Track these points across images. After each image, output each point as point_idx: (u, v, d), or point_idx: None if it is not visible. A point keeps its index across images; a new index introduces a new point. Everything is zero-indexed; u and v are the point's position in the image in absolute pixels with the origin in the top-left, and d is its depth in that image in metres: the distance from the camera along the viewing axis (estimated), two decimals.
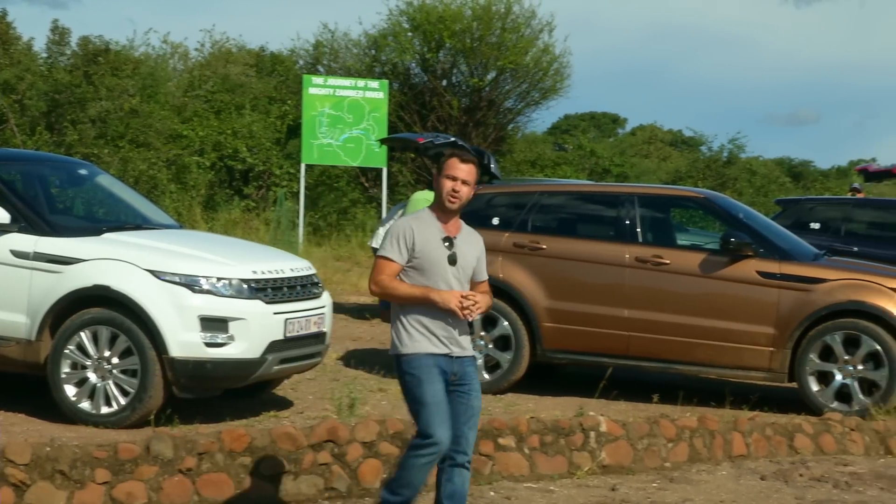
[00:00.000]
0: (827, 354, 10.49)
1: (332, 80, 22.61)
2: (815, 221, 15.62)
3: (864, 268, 11.06)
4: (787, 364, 10.56)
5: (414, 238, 6.00)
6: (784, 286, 10.62)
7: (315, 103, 21.58)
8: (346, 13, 44.37)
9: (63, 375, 8.72)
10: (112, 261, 8.75)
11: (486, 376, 10.97)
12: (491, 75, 27.80)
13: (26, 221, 9.00)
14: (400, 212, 15.35)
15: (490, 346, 11.04)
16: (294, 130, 26.49)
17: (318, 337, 9.50)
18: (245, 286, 8.81)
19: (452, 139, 15.57)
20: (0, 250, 8.89)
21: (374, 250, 15.65)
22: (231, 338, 8.67)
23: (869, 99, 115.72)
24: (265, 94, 29.09)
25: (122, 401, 8.64)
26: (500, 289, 10.49)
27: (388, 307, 16.16)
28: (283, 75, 30.83)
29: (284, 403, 9.93)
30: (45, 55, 26.04)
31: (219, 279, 8.73)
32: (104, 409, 8.67)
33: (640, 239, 11.07)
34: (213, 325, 8.63)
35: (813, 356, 10.48)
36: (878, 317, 10.38)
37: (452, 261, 6.04)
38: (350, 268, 20.95)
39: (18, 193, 9.33)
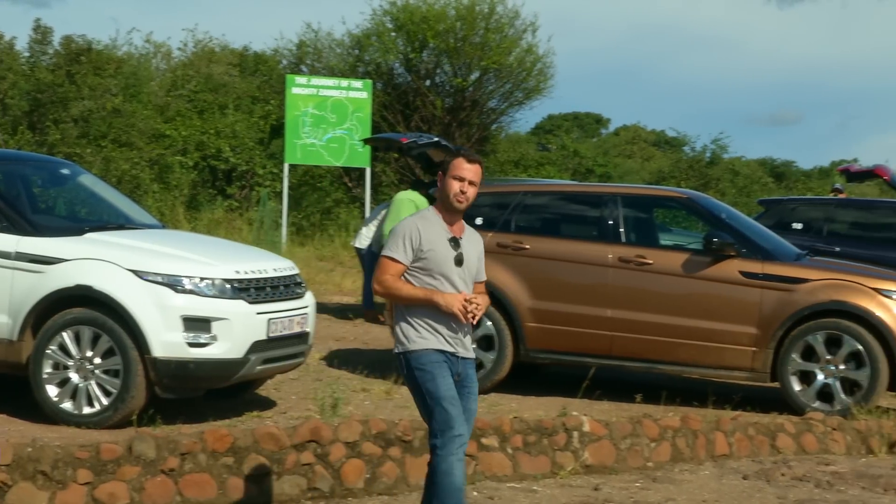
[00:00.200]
0: (809, 354, 10.52)
1: (316, 80, 22.56)
2: (798, 222, 15.65)
3: (846, 268, 11.09)
4: (770, 364, 10.58)
5: (420, 238, 5.96)
6: (766, 286, 10.64)
7: (298, 103, 21.54)
8: (330, 13, 44.42)
9: (45, 375, 8.69)
10: (94, 261, 8.72)
11: None
12: (474, 75, 27.80)
13: (8, 221, 8.97)
14: (383, 212, 15.32)
15: (473, 345, 11.02)
16: (277, 130, 26.44)
17: (302, 337, 9.49)
18: (228, 286, 8.79)
19: (436, 139, 15.56)
20: None
21: (358, 250, 15.64)
22: (214, 338, 8.65)
23: (851, 99, 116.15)
24: (248, 94, 29.04)
25: (105, 401, 8.61)
26: None
27: (371, 307, 16.21)
28: (266, 75, 30.78)
29: (267, 403, 9.92)
30: (27, 54, 25.92)
31: (202, 279, 8.72)
32: (86, 410, 8.64)
33: (624, 239, 11.08)
34: (196, 325, 8.62)
35: (795, 356, 10.52)
36: (860, 317, 10.42)
37: (459, 262, 6.02)
38: (333, 268, 20.94)
39: (0, 193, 9.29)
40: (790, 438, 9.49)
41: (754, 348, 10.61)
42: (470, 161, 6.04)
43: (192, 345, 8.60)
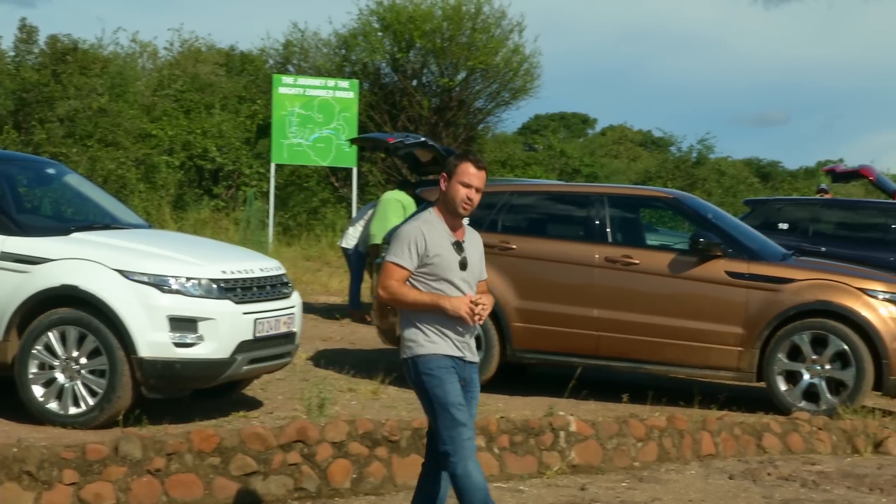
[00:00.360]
0: (795, 354, 10.55)
1: (302, 80, 22.54)
2: (784, 222, 15.68)
3: (831, 268, 11.12)
4: (756, 364, 10.61)
5: (426, 243, 5.91)
6: (752, 286, 10.67)
7: (285, 103, 21.51)
8: (317, 13, 44.34)
9: (31, 376, 8.67)
10: (80, 260, 8.70)
11: None
12: (461, 75, 27.79)
13: None
14: (370, 212, 15.32)
15: None
16: (264, 130, 26.40)
17: (288, 337, 9.48)
18: (214, 286, 8.78)
19: (423, 139, 15.55)
20: None
21: (345, 250, 15.63)
22: (200, 338, 8.64)
23: (837, 100, 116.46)
24: (235, 94, 28.99)
25: (91, 401, 8.59)
26: None
27: (358, 307, 16.18)
28: (252, 75, 30.72)
29: (254, 403, 9.91)
30: (12, 54, 25.84)
31: (188, 279, 8.70)
32: (72, 410, 8.62)
33: (610, 239, 11.10)
34: (183, 325, 8.60)
35: (781, 356, 10.54)
36: (846, 317, 10.45)
37: (464, 266, 5.99)
38: (320, 268, 20.92)
39: None
40: (776, 438, 9.52)
41: (740, 348, 10.64)
42: (478, 167, 5.99)
43: (178, 345, 8.58)
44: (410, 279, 5.94)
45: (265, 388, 10.47)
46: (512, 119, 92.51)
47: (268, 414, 9.50)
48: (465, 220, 6.17)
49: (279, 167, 23.36)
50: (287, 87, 21.78)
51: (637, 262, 10.93)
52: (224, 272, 8.92)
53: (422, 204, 12.45)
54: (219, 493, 7.14)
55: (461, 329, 5.95)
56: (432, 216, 6.05)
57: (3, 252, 8.78)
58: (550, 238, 11.39)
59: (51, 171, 10.73)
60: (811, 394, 10.52)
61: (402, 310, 6.01)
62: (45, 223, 9.78)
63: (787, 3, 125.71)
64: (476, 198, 5.99)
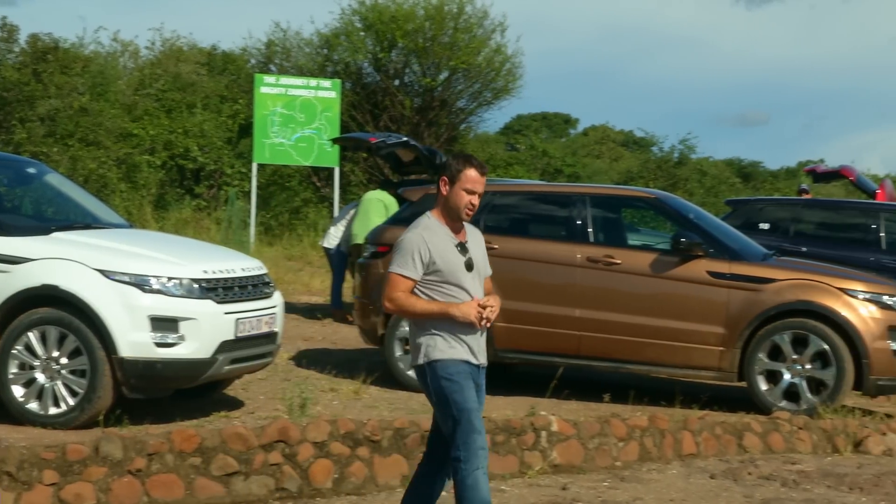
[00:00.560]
0: (776, 354, 10.58)
1: (284, 80, 22.52)
2: (765, 222, 15.71)
3: (812, 268, 11.16)
4: (737, 363, 10.63)
5: (430, 251, 5.86)
6: (734, 286, 10.70)
7: (267, 102, 21.49)
8: (299, 12, 44.23)
9: (11, 376, 8.63)
10: (61, 260, 8.67)
11: None
12: (443, 75, 27.79)
13: None
14: (352, 211, 15.32)
15: None
16: (246, 129, 26.37)
17: (270, 337, 9.47)
18: (196, 286, 8.76)
19: (405, 139, 15.57)
20: None
21: (326, 250, 15.63)
22: (181, 338, 8.62)
23: (818, 101, 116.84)
24: (216, 93, 28.93)
25: (71, 401, 8.57)
26: None
27: (339, 307, 16.16)
28: (234, 74, 30.66)
29: (235, 403, 9.89)
30: None
31: (169, 279, 8.68)
32: (52, 410, 8.60)
33: (592, 239, 11.11)
34: (164, 324, 8.58)
35: (762, 355, 10.57)
36: (826, 316, 10.48)
37: (469, 267, 5.96)
38: (302, 267, 20.91)
39: None
40: (757, 438, 9.55)
41: (721, 348, 10.66)
42: (481, 173, 5.96)
43: (159, 345, 8.56)
44: (418, 287, 5.89)
45: (247, 388, 10.46)
46: (494, 119, 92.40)
47: (249, 414, 9.49)
48: None
49: (261, 167, 23.33)
50: (269, 87, 21.75)
51: (619, 261, 10.94)
52: (205, 272, 8.90)
53: (404, 204, 12.45)
54: (200, 494, 7.13)
55: (473, 334, 5.93)
56: (432, 221, 5.99)
57: None
58: (532, 238, 11.40)
59: (31, 170, 10.69)
60: (792, 393, 10.55)
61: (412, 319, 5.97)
62: (25, 223, 9.73)
63: (769, 4, 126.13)
64: (477, 202, 5.98)
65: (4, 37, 25.56)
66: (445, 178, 5.97)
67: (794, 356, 10.53)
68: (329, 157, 21.81)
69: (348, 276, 15.34)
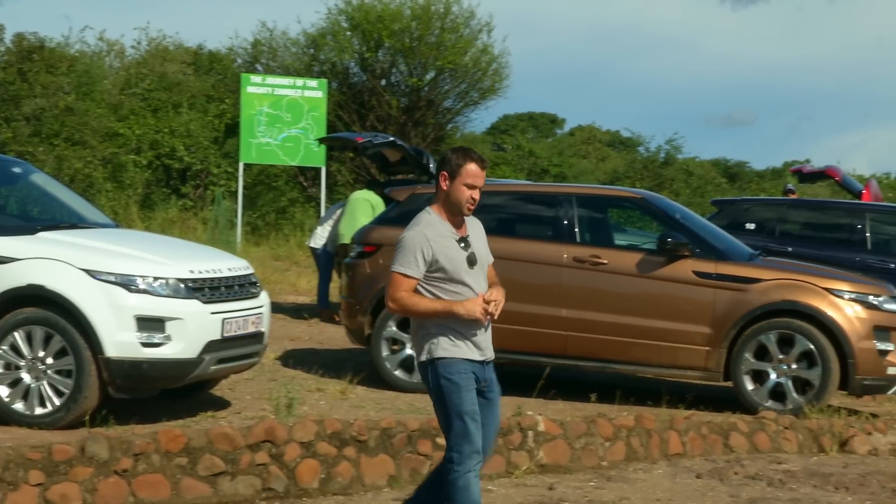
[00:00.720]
0: (762, 354, 10.60)
1: (271, 79, 22.50)
2: (751, 222, 15.74)
3: (798, 268, 11.18)
4: (723, 363, 10.65)
5: (432, 249, 5.80)
6: (720, 286, 10.71)
7: (253, 102, 21.47)
8: (285, 12, 44.15)
9: None
10: (47, 260, 8.65)
11: None
12: (430, 75, 27.80)
13: None
14: (338, 211, 15.30)
15: None
16: (232, 129, 26.34)
17: (256, 337, 9.45)
18: (182, 286, 8.74)
19: (391, 139, 15.56)
20: None
21: (313, 250, 15.61)
22: (168, 338, 8.60)
23: (804, 101, 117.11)
24: (203, 93, 28.89)
25: (57, 401, 8.54)
26: None
27: (326, 307, 16.13)
28: (221, 74, 30.63)
29: (222, 403, 9.88)
30: None
31: (155, 279, 8.66)
32: (38, 410, 8.57)
33: (578, 239, 11.12)
34: (150, 324, 8.56)
35: (748, 355, 10.59)
36: (812, 316, 10.51)
37: (472, 262, 5.91)
38: (288, 267, 20.89)
39: None
40: (743, 437, 9.57)
41: (708, 348, 10.68)
42: (482, 167, 5.93)
43: (145, 345, 8.54)
44: (420, 284, 5.84)
45: (233, 388, 10.44)
46: (480, 119, 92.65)
47: (236, 414, 9.47)
48: None
49: (247, 166, 23.31)
50: (255, 87, 21.74)
51: (605, 261, 10.95)
52: (192, 272, 8.89)
53: (390, 204, 12.44)
54: (186, 494, 7.12)
55: (478, 329, 5.89)
56: (433, 217, 5.93)
57: None
58: (519, 238, 11.39)
59: (17, 169, 10.65)
60: (778, 393, 10.57)
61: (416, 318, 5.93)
62: (10, 222, 9.69)
63: (755, 5, 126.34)
64: (478, 196, 5.94)
65: None
66: (445, 174, 5.92)
67: (780, 356, 10.55)
68: (316, 156, 21.80)
69: (335, 275, 15.33)
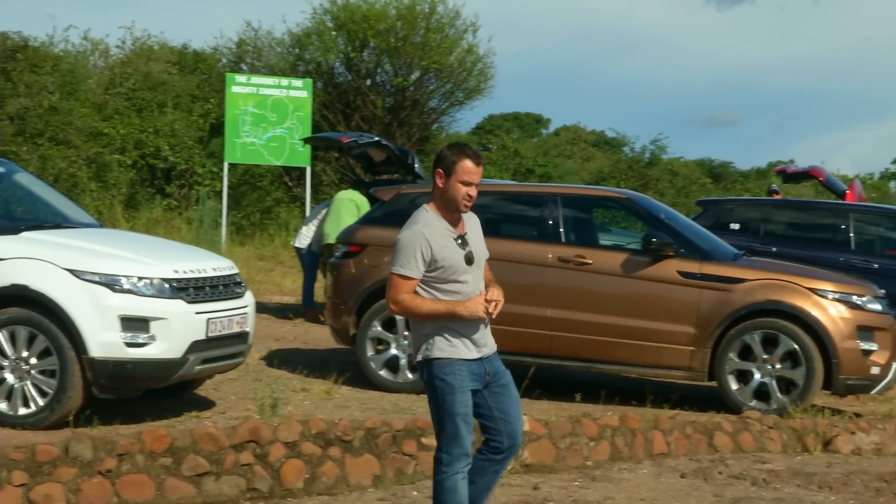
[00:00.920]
0: (746, 353, 10.62)
1: (256, 79, 22.46)
2: (735, 222, 15.79)
3: (782, 268, 11.21)
4: (707, 363, 10.67)
5: (431, 248, 5.74)
6: (704, 286, 10.73)
7: (238, 102, 21.43)
8: (270, 11, 44.04)
9: None
10: (30, 260, 8.62)
11: (410, 376, 10.97)
12: (415, 75, 27.77)
13: None
14: (323, 211, 15.30)
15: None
16: (217, 129, 26.28)
17: (241, 337, 9.44)
18: (166, 286, 8.73)
19: (376, 139, 15.55)
20: None
21: (298, 250, 15.60)
22: (152, 338, 8.58)
23: (788, 101, 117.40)
24: (187, 92, 28.83)
25: (41, 401, 8.52)
26: None
27: (311, 307, 16.10)
28: (205, 73, 30.56)
29: (206, 404, 9.86)
30: None
31: (140, 278, 8.64)
32: (22, 410, 8.54)
33: (563, 239, 11.13)
34: (134, 324, 8.54)
35: (732, 355, 10.61)
36: (796, 316, 10.53)
37: (470, 260, 5.85)
38: (273, 267, 20.86)
39: None
40: (727, 437, 9.59)
41: (692, 348, 10.70)
42: (477, 164, 5.83)
43: (129, 345, 8.52)
44: (420, 286, 5.79)
45: (218, 388, 10.43)
46: (466, 119, 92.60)
47: (220, 414, 9.46)
48: None
49: (232, 166, 23.26)
50: (240, 86, 21.69)
51: (590, 261, 10.97)
52: (176, 272, 8.87)
53: (375, 203, 12.44)
54: (170, 494, 7.11)
55: (477, 326, 5.87)
56: (430, 215, 5.86)
57: None
58: (504, 238, 11.39)
59: (0, 169, 10.62)
60: (762, 393, 10.60)
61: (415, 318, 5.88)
62: None
63: (740, 5, 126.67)
64: (475, 192, 5.85)
65: None
66: (441, 171, 5.84)
67: (765, 356, 10.58)
68: (300, 156, 21.77)
69: (320, 275, 15.31)
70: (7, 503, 6.60)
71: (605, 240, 12.72)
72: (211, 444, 7.30)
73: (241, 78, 22.32)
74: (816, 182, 22.33)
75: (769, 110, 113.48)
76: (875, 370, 10.62)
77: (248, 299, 9.65)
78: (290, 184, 27.08)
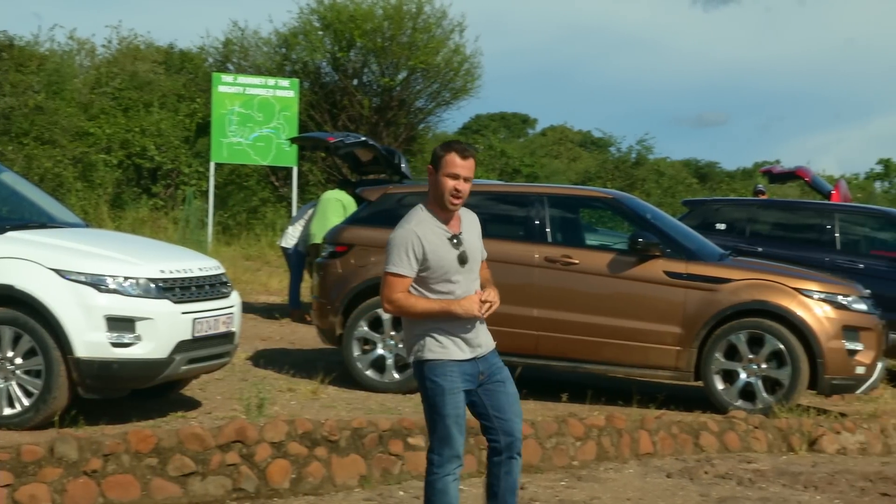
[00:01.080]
0: (732, 353, 10.65)
1: (242, 79, 22.44)
2: (721, 222, 15.80)
3: (767, 268, 11.24)
4: (693, 363, 10.70)
5: (423, 247, 5.67)
6: (690, 286, 10.75)
7: (225, 101, 21.41)
8: (257, 11, 44.04)
9: None
10: (16, 260, 8.60)
11: (397, 376, 10.98)
12: (402, 75, 27.77)
13: None
14: (310, 211, 15.29)
15: (400, 346, 11.02)
16: (203, 129, 26.24)
17: (227, 337, 9.43)
18: (152, 285, 8.71)
19: (363, 139, 15.55)
20: None
21: (284, 250, 15.59)
22: (138, 338, 8.56)
23: (774, 102, 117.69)
24: (174, 92, 28.78)
25: (26, 402, 8.50)
26: None
27: (297, 307, 16.09)
28: (192, 73, 30.51)
29: (192, 404, 9.85)
30: None
31: (126, 278, 8.62)
32: (7, 411, 8.52)
33: (550, 239, 11.15)
34: (120, 324, 8.52)
35: (718, 355, 10.64)
36: (782, 316, 10.56)
37: (463, 261, 5.79)
38: (259, 267, 20.84)
39: None
40: (713, 437, 9.60)
41: (678, 347, 10.72)
42: (464, 157, 5.73)
43: (115, 345, 8.50)
44: (413, 285, 5.73)
45: (204, 388, 10.41)
46: (452, 119, 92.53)
47: (206, 414, 9.45)
48: None
49: (219, 166, 23.23)
50: (227, 86, 21.68)
51: (577, 261, 10.98)
52: (162, 271, 8.85)
53: (362, 203, 12.43)
54: (156, 494, 7.09)
55: (470, 325, 5.82)
56: (424, 214, 5.79)
57: None
58: (490, 238, 11.30)
59: None
60: (748, 393, 10.62)
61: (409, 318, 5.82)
62: None
63: (726, 6, 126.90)
64: (465, 188, 5.75)
65: None
66: (431, 168, 5.80)
67: (750, 356, 10.61)
68: (287, 156, 21.76)
69: (306, 275, 15.30)
70: None
71: (591, 240, 12.72)
72: (197, 445, 7.28)
73: (227, 78, 22.31)
74: (802, 182, 22.40)
75: (755, 110, 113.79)
76: (860, 370, 10.65)
77: (235, 299, 9.64)
78: (276, 184, 27.06)
